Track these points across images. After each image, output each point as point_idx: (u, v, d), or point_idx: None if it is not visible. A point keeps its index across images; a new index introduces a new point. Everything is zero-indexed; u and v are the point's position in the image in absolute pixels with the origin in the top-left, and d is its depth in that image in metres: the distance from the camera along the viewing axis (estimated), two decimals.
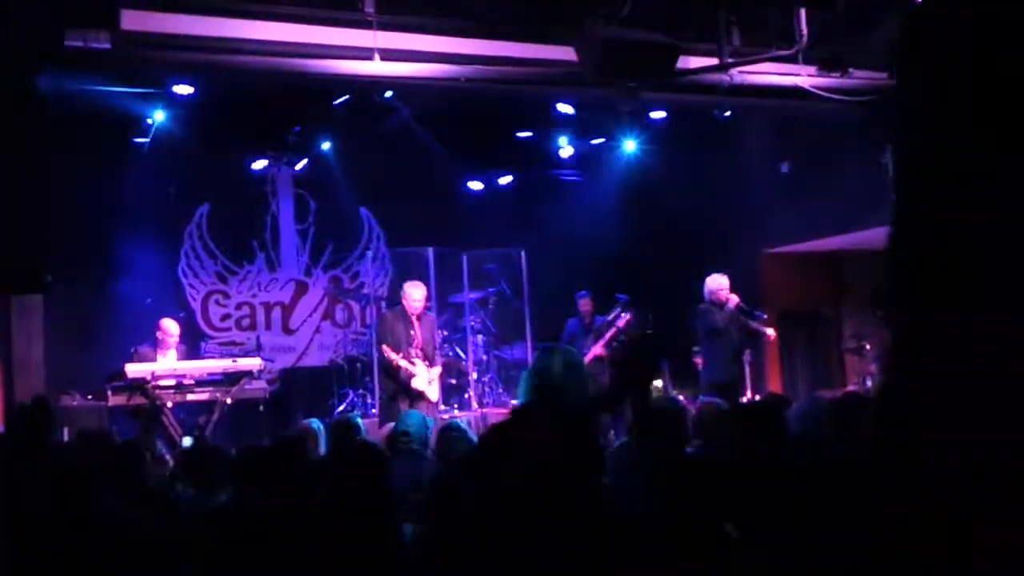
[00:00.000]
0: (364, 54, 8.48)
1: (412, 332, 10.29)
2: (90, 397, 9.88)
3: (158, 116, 11.06)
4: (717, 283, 10.66)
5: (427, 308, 10.71)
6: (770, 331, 11.14)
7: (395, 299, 11.29)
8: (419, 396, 10.15)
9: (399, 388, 10.24)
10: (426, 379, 10.23)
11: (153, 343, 10.48)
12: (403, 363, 10.08)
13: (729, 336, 10.57)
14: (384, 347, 10.31)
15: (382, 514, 3.70)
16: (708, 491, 4.11)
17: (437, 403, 10.62)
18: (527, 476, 3.00)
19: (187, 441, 9.04)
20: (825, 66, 9.55)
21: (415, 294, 10.41)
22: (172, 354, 10.42)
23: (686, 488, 3.81)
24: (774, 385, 12.39)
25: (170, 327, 10.55)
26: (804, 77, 9.79)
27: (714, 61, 9.38)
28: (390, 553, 3.67)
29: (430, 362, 10.38)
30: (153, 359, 10.23)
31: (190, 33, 8.20)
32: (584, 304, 11.94)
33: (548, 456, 3.06)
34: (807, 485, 4.06)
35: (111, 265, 12.16)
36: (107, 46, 7.82)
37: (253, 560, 4.08)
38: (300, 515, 3.98)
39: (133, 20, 7.91)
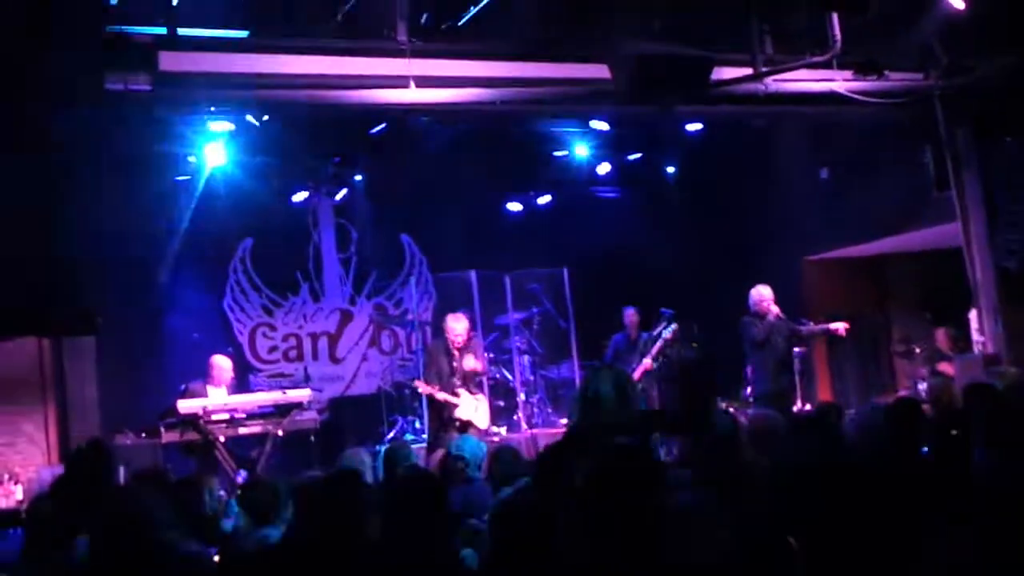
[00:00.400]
0: (399, 83, 8.53)
1: (455, 364, 10.38)
2: (143, 435, 9.96)
3: (199, 153, 11.21)
4: (759, 294, 10.62)
5: (471, 336, 10.73)
6: (838, 325, 11.01)
7: (440, 324, 11.30)
8: (467, 425, 10.20)
9: (444, 421, 10.32)
10: (472, 407, 10.29)
11: (204, 379, 10.57)
12: (440, 395, 10.18)
13: (773, 346, 10.51)
14: (417, 382, 10.52)
15: (440, 540, 3.71)
16: (771, 503, 4.08)
17: (487, 429, 10.61)
18: (587, 496, 3.00)
19: (241, 476, 9.09)
20: (861, 70, 9.48)
21: (456, 327, 10.50)
22: (223, 389, 10.51)
23: (749, 500, 3.78)
24: (824, 393, 12.28)
25: (222, 363, 10.65)
26: (839, 82, 9.72)
27: (748, 71, 9.35)
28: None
29: (473, 390, 10.46)
30: (204, 395, 10.32)
31: (226, 71, 8.29)
32: (630, 317, 11.91)
33: (607, 474, 3.06)
34: (869, 491, 4.02)
35: (158, 302, 12.29)
36: (147, 88, 7.93)
37: None
38: (358, 544, 4.00)
39: (171, 61, 8.02)
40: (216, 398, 10.20)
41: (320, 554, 4.15)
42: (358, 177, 12.63)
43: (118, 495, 5.62)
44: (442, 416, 10.38)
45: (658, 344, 11.46)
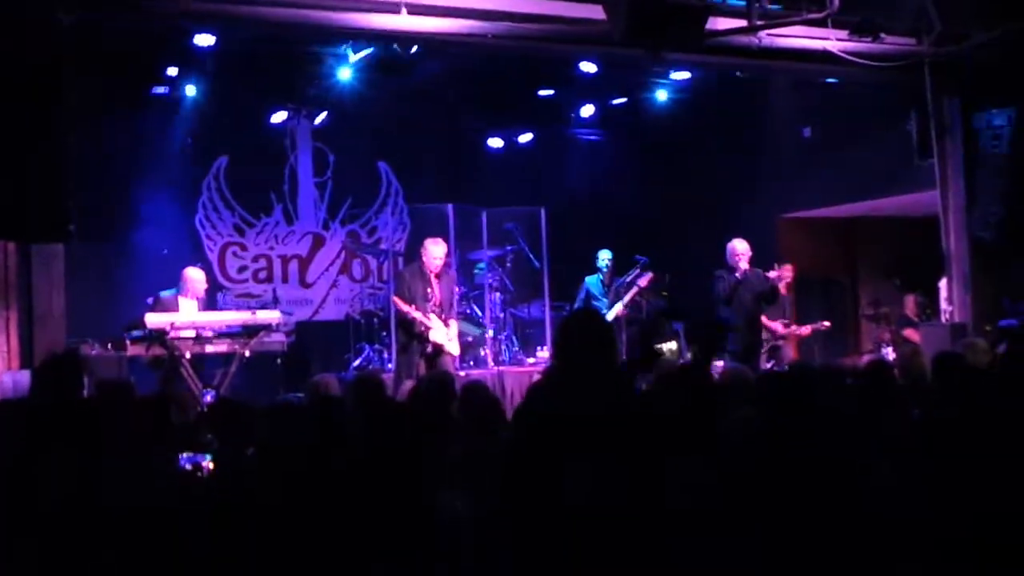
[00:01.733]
0: (391, 8, 8.39)
1: (430, 290, 10.15)
2: (109, 346, 9.88)
3: (178, 67, 11.03)
4: (732, 247, 10.62)
5: (447, 266, 10.55)
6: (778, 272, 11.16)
7: (413, 255, 11.22)
8: (438, 350, 10.08)
9: (411, 339, 10.11)
10: (444, 334, 10.13)
11: (176, 290, 10.44)
12: (416, 315, 9.95)
13: (739, 303, 10.53)
14: (395, 298, 10.23)
15: (416, 479, 3.70)
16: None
17: (457, 358, 10.49)
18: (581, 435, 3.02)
19: (208, 396, 9.05)
20: (857, 30, 9.42)
21: (436, 251, 10.23)
22: (195, 303, 10.39)
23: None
24: (790, 350, 12.36)
25: (195, 275, 10.52)
26: (833, 41, 9.67)
27: (743, 23, 9.26)
28: (424, 518, 3.68)
29: (445, 318, 10.22)
30: (176, 307, 10.21)
31: None
32: (605, 260, 11.86)
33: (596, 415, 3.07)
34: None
35: (130, 216, 12.17)
36: None
37: (280, 515, 4.09)
38: (331, 472, 3.99)
39: None
40: (185, 314, 10.11)
41: (288, 478, 4.13)
42: (338, 100, 12.44)
43: (88, 408, 5.55)
44: (408, 336, 10.16)
45: (632, 291, 11.53)
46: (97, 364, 9.14)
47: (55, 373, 5.53)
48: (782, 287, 11.36)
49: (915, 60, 10.27)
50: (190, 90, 11.80)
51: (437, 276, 10.23)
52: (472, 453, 4.46)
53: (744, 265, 10.53)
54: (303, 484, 3.97)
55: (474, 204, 12.70)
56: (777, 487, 3.79)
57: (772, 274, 10.76)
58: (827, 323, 12.12)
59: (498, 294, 12.46)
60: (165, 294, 10.38)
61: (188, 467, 4.95)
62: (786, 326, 11.61)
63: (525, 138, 13.88)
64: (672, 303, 12.75)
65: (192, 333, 9.81)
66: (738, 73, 11.09)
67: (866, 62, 9.79)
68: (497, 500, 3.38)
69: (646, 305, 12.13)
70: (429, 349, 10.07)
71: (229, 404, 5.78)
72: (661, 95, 12.97)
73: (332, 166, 13.73)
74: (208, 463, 4.90)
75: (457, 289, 11.47)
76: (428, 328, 10.01)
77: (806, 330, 11.94)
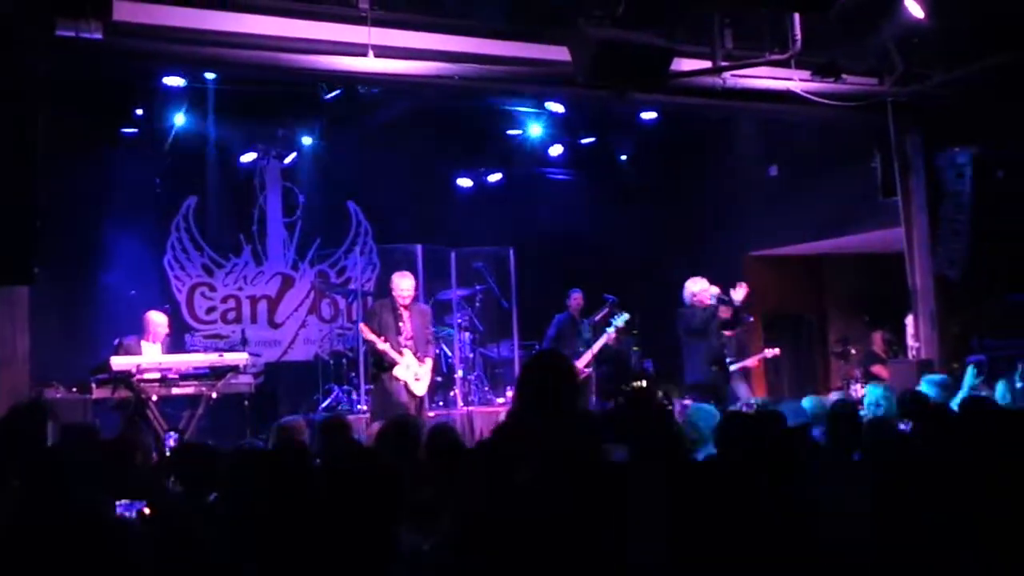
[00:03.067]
0: (358, 50, 8.42)
1: (400, 324, 10.00)
2: (74, 390, 9.78)
3: (146, 107, 11.03)
4: (700, 286, 10.62)
5: (415, 299, 10.38)
6: (771, 352, 11.29)
7: (382, 295, 11.18)
8: (402, 386, 9.79)
9: (382, 370, 9.90)
10: (412, 372, 9.88)
11: (139, 335, 10.39)
12: (382, 345, 9.74)
13: (709, 339, 10.54)
14: (362, 325, 10.04)
15: (381, 520, 3.67)
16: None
17: (423, 399, 10.19)
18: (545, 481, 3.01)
19: (172, 438, 8.96)
20: (819, 71, 9.54)
21: (402, 284, 10.07)
22: (158, 346, 10.35)
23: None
24: (759, 389, 12.42)
25: (157, 319, 10.47)
26: (796, 82, 9.79)
27: (707, 64, 9.37)
28: (388, 561, 3.65)
29: (420, 356, 9.98)
30: (138, 351, 10.15)
31: (182, 25, 8.10)
32: (576, 300, 11.86)
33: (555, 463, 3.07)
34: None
35: (96, 256, 12.13)
36: (98, 36, 7.73)
37: (240, 559, 4.04)
38: (294, 518, 3.95)
39: (126, 11, 7.82)
40: (150, 356, 10.04)
41: (251, 523, 4.09)
42: (308, 141, 12.48)
43: (47, 456, 5.50)
44: (378, 368, 9.96)
45: (607, 335, 11.44)
46: (62, 407, 9.03)
47: (20, 424, 5.50)
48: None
49: (878, 100, 10.41)
50: (159, 130, 11.79)
51: (407, 308, 10.05)
52: (438, 496, 4.43)
53: (711, 300, 10.53)
54: (265, 529, 3.93)
55: (443, 244, 12.71)
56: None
57: (738, 296, 10.69)
58: (776, 350, 12.05)
59: (467, 334, 12.45)
60: (128, 339, 10.31)
61: (127, 514, 4.85)
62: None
63: (494, 178, 13.93)
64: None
65: (158, 375, 9.75)
66: (706, 115, 11.23)
67: (829, 102, 9.90)
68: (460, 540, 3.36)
69: (617, 345, 12.14)
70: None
71: (192, 448, 5.73)
72: (629, 135, 13.07)
73: (301, 206, 13.73)
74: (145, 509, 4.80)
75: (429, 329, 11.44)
76: (394, 363, 9.80)
77: (752, 362, 12.01)
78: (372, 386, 10.51)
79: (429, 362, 10.14)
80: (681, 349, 10.72)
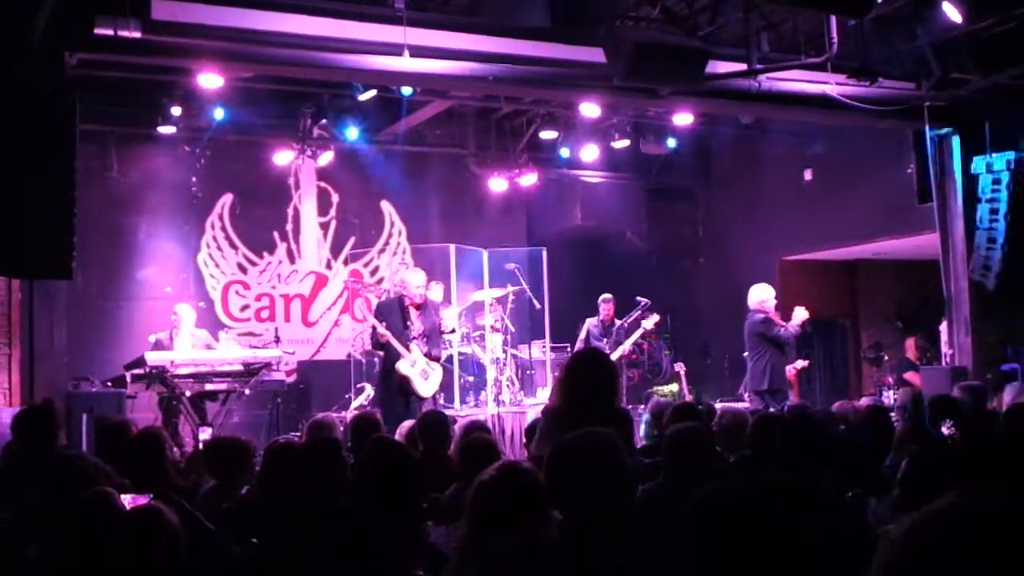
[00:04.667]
0: (394, 50, 8.46)
1: (409, 323, 9.74)
2: (109, 384, 9.91)
3: (182, 106, 11.13)
4: (769, 293, 10.50)
5: (427, 299, 10.14)
6: (801, 363, 11.21)
7: None
8: (405, 382, 9.58)
9: (386, 376, 9.74)
10: (419, 369, 9.60)
11: (169, 330, 10.52)
12: (383, 330, 9.46)
13: (782, 346, 10.43)
14: (373, 320, 9.79)
15: (410, 515, 3.70)
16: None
17: (434, 400, 9.99)
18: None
19: (205, 434, 9.05)
20: (855, 75, 9.48)
21: (415, 279, 9.81)
22: (187, 339, 10.44)
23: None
24: (792, 393, 12.35)
25: (183, 312, 10.58)
26: (832, 85, 9.73)
27: (742, 67, 9.35)
28: (414, 553, 3.68)
29: (429, 354, 9.70)
30: (169, 345, 10.26)
31: (220, 24, 8.17)
32: (606, 310, 11.91)
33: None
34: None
35: (133, 253, 12.27)
36: (137, 35, 7.82)
37: (274, 554, 4.09)
38: (327, 511, 3.99)
39: (164, 10, 7.90)
40: (184, 352, 10.15)
41: (288, 518, 4.14)
42: (344, 141, 12.55)
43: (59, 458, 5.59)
44: (384, 375, 9.74)
45: (638, 333, 11.49)
46: (96, 402, 9.15)
47: (31, 424, 5.62)
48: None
49: (914, 104, 10.34)
50: (196, 129, 11.91)
51: (417, 308, 9.82)
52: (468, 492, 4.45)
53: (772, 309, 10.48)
54: (299, 523, 3.97)
55: (476, 244, 12.74)
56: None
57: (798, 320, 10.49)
58: (806, 362, 11.90)
59: (499, 335, 12.46)
60: (159, 335, 10.42)
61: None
62: None
63: (528, 180, 13.95)
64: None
65: (192, 371, 9.84)
66: (742, 118, 11.21)
67: (865, 106, 9.85)
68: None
69: (648, 347, 12.14)
70: (400, 385, 9.59)
71: (224, 442, 5.78)
72: (664, 137, 13.03)
73: (336, 206, 13.79)
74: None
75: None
76: (399, 355, 9.54)
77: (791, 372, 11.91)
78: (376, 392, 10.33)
79: (438, 368, 9.88)
80: (759, 353, 10.50)
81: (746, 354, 10.60)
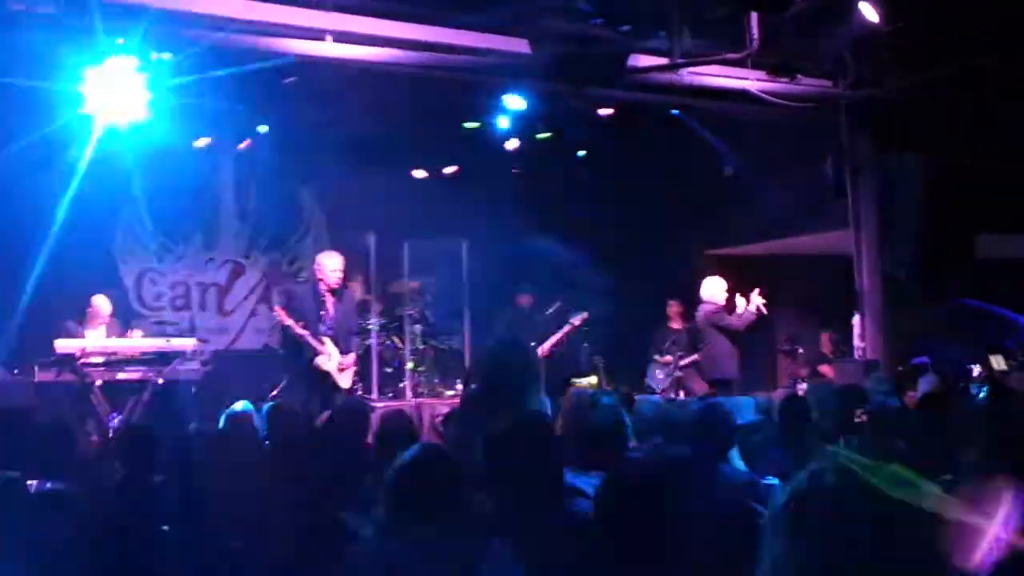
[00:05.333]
0: (317, 34, 8.36)
1: (323, 311, 9.47)
2: (16, 372, 9.65)
3: (99, 90, 10.84)
4: (721, 285, 10.94)
5: (344, 285, 9.94)
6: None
7: None
8: (325, 377, 9.39)
9: (303, 369, 9.44)
10: (335, 363, 9.40)
11: (81, 319, 10.26)
12: (300, 331, 9.21)
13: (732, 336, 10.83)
14: (279, 309, 9.55)
15: (328, 503, 3.65)
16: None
17: (353, 391, 9.90)
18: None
19: (114, 420, 8.86)
20: (774, 71, 9.62)
21: (331, 263, 9.46)
22: (101, 331, 10.21)
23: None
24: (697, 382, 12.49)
25: (101, 304, 10.34)
26: (752, 81, 9.86)
27: (665, 61, 9.41)
28: (333, 541, 3.63)
29: (342, 348, 9.53)
30: (80, 336, 10.02)
31: (139, 2, 8.00)
32: (526, 299, 11.94)
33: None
34: None
35: (43, 240, 11.92)
36: (50, 11, 7.62)
37: (191, 538, 4.01)
38: (241, 499, 3.92)
39: None
40: (96, 340, 9.92)
41: (196, 505, 4.06)
42: (262, 128, 12.34)
43: None
44: (297, 364, 9.48)
45: (565, 329, 11.53)
46: (3, 391, 8.90)
47: None
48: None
49: (831, 102, 10.52)
50: (110, 114, 11.59)
51: (332, 293, 9.55)
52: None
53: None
54: (214, 507, 3.90)
55: (396, 235, 12.64)
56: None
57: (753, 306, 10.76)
58: None
59: (418, 326, 12.39)
60: (69, 323, 10.15)
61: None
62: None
63: (449, 170, 13.85)
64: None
65: (103, 359, 9.63)
66: (663, 112, 11.29)
67: (783, 102, 10.00)
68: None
69: (564, 340, 12.16)
70: (316, 376, 9.38)
71: (135, 431, 5.66)
72: (585, 130, 13.04)
73: (254, 193, 13.58)
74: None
75: (377, 319, 11.35)
76: (317, 352, 9.36)
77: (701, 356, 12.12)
78: (288, 380, 10.14)
79: (352, 355, 9.75)
80: (708, 344, 10.95)
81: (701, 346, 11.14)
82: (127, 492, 4.88)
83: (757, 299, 10.67)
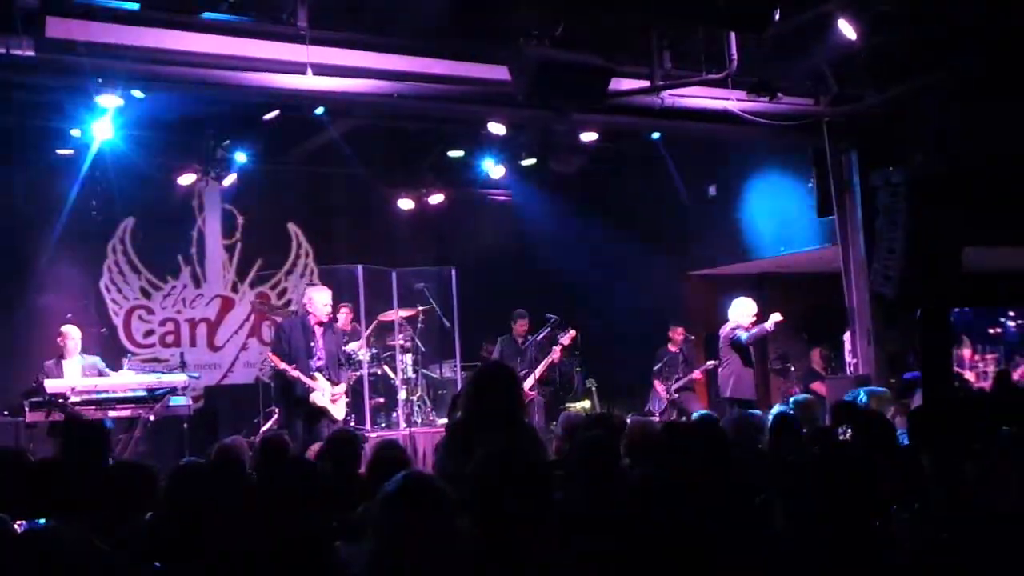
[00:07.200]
0: (297, 68, 8.38)
1: (313, 344, 9.66)
2: (6, 413, 9.61)
3: (82, 127, 10.86)
4: (750, 308, 11.18)
5: (334, 319, 10.16)
6: (711, 363, 11.73)
7: None
8: (320, 413, 9.56)
9: (295, 404, 9.60)
10: (328, 396, 9.60)
11: (58, 357, 10.20)
12: (294, 373, 9.41)
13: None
14: (272, 355, 9.71)
15: (319, 534, 3.63)
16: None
17: (346, 422, 10.03)
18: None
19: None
20: (754, 91, 9.67)
21: (323, 298, 9.69)
22: (76, 361, 10.13)
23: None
24: (702, 403, 12.49)
25: (71, 331, 10.27)
26: (733, 101, 9.90)
27: (645, 84, 9.45)
28: (324, 572, 3.61)
29: (333, 379, 9.70)
30: (58, 373, 9.96)
31: (118, 42, 7.99)
32: (521, 326, 11.99)
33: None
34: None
35: (32, 279, 11.92)
36: (31, 53, 7.62)
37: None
38: (232, 533, 3.89)
39: (60, 28, 7.71)
40: (85, 379, 9.87)
41: (188, 542, 4.04)
42: (246, 161, 12.37)
43: None
44: (288, 400, 9.66)
45: (555, 352, 11.56)
46: None
47: None
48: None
49: (813, 119, 10.56)
50: (95, 151, 11.60)
51: (322, 327, 9.74)
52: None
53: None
54: (203, 544, 3.88)
55: (384, 265, 12.66)
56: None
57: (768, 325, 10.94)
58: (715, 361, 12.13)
59: (409, 355, 12.39)
60: (47, 363, 10.09)
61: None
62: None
63: (436, 199, 13.90)
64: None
65: (94, 397, 9.59)
66: (646, 135, 11.34)
67: (765, 121, 10.04)
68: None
69: (560, 365, 12.17)
70: (309, 411, 9.55)
71: (127, 467, 5.62)
72: (569, 155, 13.09)
73: (241, 228, 13.59)
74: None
75: (369, 349, 11.35)
76: (311, 390, 9.54)
77: (697, 374, 12.19)
78: (280, 412, 10.27)
79: (342, 386, 9.90)
80: (721, 363, 11.27)
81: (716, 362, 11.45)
82: (117, 529, 4.85)
83: (775, 316, 10.85)
